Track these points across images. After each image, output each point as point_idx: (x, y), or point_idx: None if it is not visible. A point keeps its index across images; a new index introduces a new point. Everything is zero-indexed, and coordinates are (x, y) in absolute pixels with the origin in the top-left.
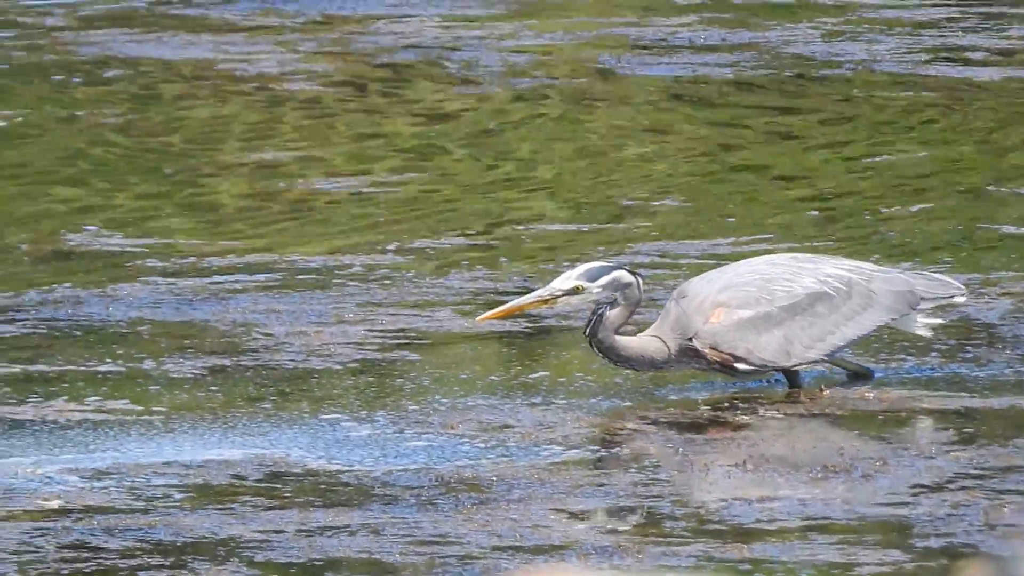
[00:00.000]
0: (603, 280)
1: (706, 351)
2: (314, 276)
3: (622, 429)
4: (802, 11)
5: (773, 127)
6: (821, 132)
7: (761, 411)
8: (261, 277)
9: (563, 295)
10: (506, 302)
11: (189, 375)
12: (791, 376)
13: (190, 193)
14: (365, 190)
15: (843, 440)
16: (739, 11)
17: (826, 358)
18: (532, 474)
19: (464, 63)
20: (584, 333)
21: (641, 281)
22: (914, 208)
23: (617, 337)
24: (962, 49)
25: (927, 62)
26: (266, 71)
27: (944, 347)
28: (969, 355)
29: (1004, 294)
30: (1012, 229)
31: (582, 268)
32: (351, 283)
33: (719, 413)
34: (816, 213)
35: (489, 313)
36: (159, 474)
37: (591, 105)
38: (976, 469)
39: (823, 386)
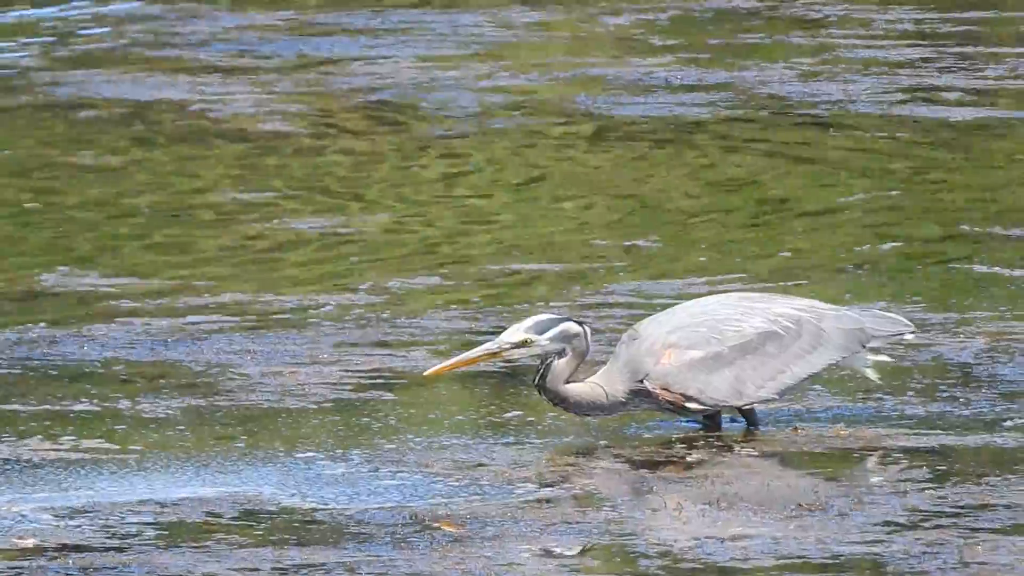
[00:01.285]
0: (551, 332)
1: (657, 391)
2: (288, 316)
3: (596, 468)
4: (778, 51)
5: (745, 166)
6: (795, 170)
7: (736, 449)
8: (236, 318)
9: (511, 348)
10: (478, 344)
11: (163, 415)
12: (746, 414)
13: (164, 233)
14: (340, 230)
15: (818, 478)
16: (715, 51)
17: (777, 396)
18: (506, 512)
19: (440, 103)
20: (532, 382)
21: (589, 332)
22: (886, 247)
23: (566, 386)
24: (937, 89)
25: (903, 102)
26: (241, 111)
27: (919, 385)
28: (944, 393)
29: (979, 333)
30: (984, 269)
31: (530, 321)
32: (325, 323)
33: (693, 451)
34: (788, 254)
35: (438, 367)
36: (134, 512)
37: (567, 144)
38: (951, 507)
39: (797, 424)
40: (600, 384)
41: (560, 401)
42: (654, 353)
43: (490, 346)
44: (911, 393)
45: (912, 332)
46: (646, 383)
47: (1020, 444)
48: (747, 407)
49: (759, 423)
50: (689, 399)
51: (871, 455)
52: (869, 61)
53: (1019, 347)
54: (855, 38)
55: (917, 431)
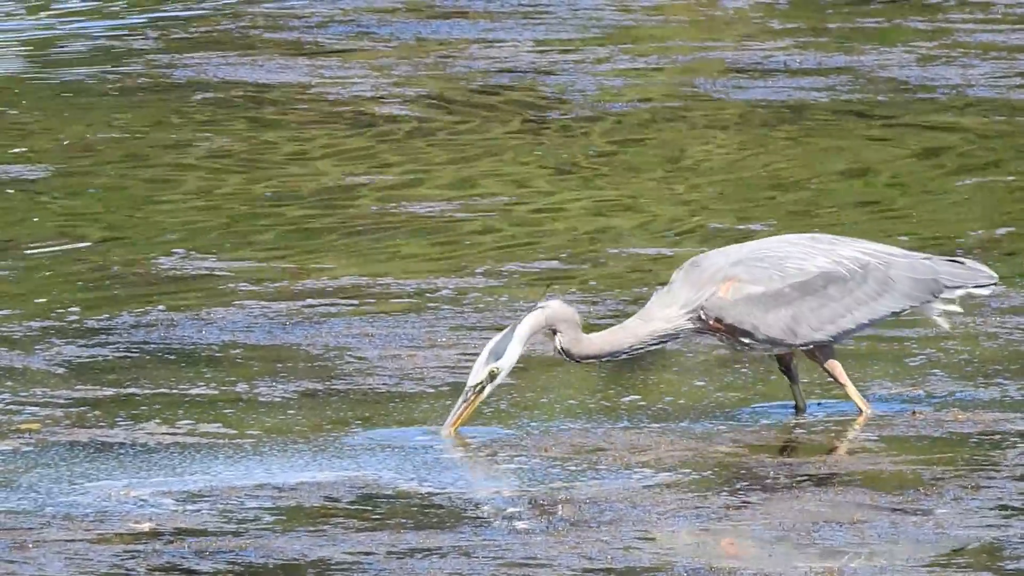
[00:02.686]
0: (513, 346)
1: (711, 322)
2: (407, 300)
3: (715, 452)
4: (897, 35)
5: (863, 150)
6: (912, 154)
7: (853, 433)
8: (354, 301)
9: (483, 385)
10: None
11: (280, 398)
12: (787, 361)
13: (282, 216)
14: (457, 214)
15: (934, 462)
16: (834, 35)
17: (832, 340)
18: (624, 497)
19: (559, 87)
20: (556, 351)
21: (555, 303)
22: (1002, 231)
23: (591, 344)
24: None
25: (1021, 86)
26: (360, 94)
27: None
28: None
29: None
30: None
31: (485, 352)
32: (444, 307)
33: (812, 436)
34: (904, 238)
35: (450, 426)
36: (251, 496)
37: (686, 128)
38: None
39: (915, 409)
40: (643, 319)
41: (592, 355)
42: (714, 282)
43: (467, 396)
44: None
45: (992, 284)
46: (701, 312)
47: None
48: (803, 347)
49: (832, 355)
50: (743, 333)
51: (989, 439)
52: (988, 45)
53: None
54: (973, 22)
55: None
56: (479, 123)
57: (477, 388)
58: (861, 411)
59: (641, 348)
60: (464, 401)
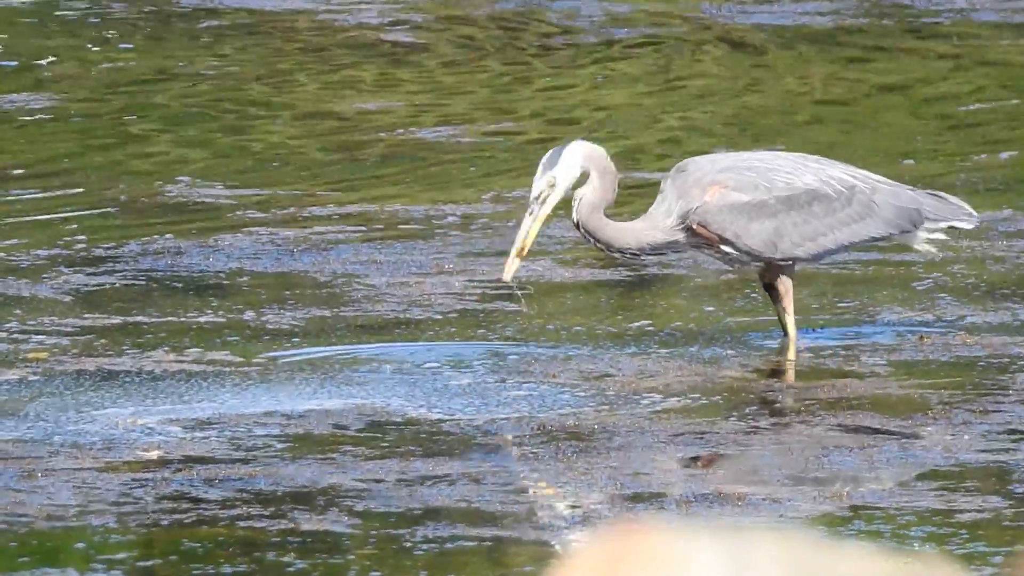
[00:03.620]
0: (564, 158)
1: (694, 226)
2: (414, 226)
3: (723, 377)
4: None
5: (867, 74)
6: (916, 79)
7: (863, 358)
8: (362, 228)
9: (544, 198)
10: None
11: (288, 326)
12: (782, 268)
13: (288, 143)
14: (461, 139)
15: (942, 386)
16: None
17: (811, 258)
18: (632, 422)
19: (565, 12)
20: (572, 221)
21: (604, 150)
22: (1005, 155)
23: (606, 222)
24: None
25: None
26: (366, 21)
27: None
28: None
29: None
30: None
31: (540, 167)
32: (452, 233)
33: (821, 360)
34: (911, 161)
35: (508, 267)
36: (259, 424)
37: (690, 52)
38: None
39: (923, 333)
40: (645, 221)
41: (602, 239)
42: (701, 186)
43: (531, 212)
44: None
45: (973, 220)
46: (688, 219)
47: None
48: (782, 262)
49: (781, 295)
50: (725, 241)
51: (997, 363)
52: None
53: None
54: None
55: None
56: (486, 50)
57: (540, 199)
58: (789, 338)
59: (640, 254)
60: (531, 214)
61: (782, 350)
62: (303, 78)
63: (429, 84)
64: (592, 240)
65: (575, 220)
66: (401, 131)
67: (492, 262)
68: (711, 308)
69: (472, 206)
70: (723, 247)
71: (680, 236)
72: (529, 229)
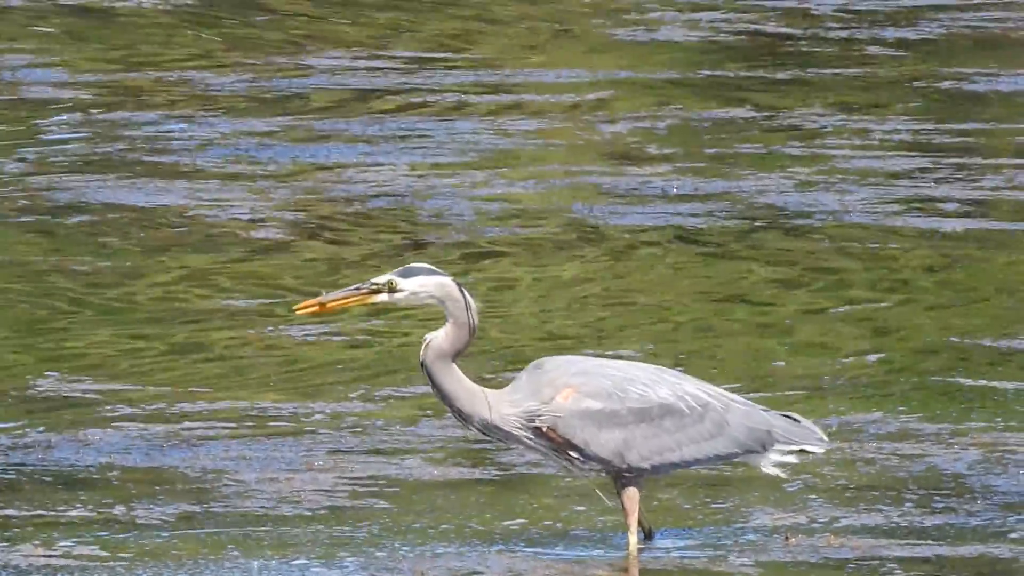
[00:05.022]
0: (419, 279)
1: (544, 428)
2: (285, 423)
3: None
4: (775, 161)
5: (739, 277)
6: (788, 281)
7: (731, 558)
8: (232, 424)
9: (375, 289)
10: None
11: (159, 521)
12: (626, 479)
13: (159, 339)
14: (334, 337)
15: None
16: (712, 160)
17: (653, 471)
18: None
19: (436, 211)
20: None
21: (470, 299)
22: (873, 358)
23: (454, 370)
24: (934, 200)
25: (898, 213)
26: (238, 217)
27: (914, 496)
28: (939, 504)
29: (972, 444)
30: (976, 381)
31: (403, 267)
32: (321, 430)
33: (689, 561)
34: (781, 363)
35: (308, 305)
36: None
37: (561, 253)
38: None
39: (789, 534)
40: (493, 396)
41: (443, 391)
42: (554, 387)
43: (359, 286)
44: (907, 504)
45: (822, 445)
46: (536, 417)
47: (1016, 555)
48: (627, 473)
49: (640, 490)
50: (572, 447)
51: (867, 565)
52: (866, 171)
53: (1013, 458)
54: (850, 148)
55: (912, 541)
56: (357, 247)
57: (374, 287)
58: (629, 546)
59: (479, 429)
60: (356, 289)
61: (651, 549)
62: (175, 275)
63: (298, 281)
64: (435, 391)
65: (421, 363)
66: (271, 328)
67: (362, 460)
68: (581, 508)
69: (342, 404)
70: (571, 452)
71: (522, 431)
72: (345, 296)
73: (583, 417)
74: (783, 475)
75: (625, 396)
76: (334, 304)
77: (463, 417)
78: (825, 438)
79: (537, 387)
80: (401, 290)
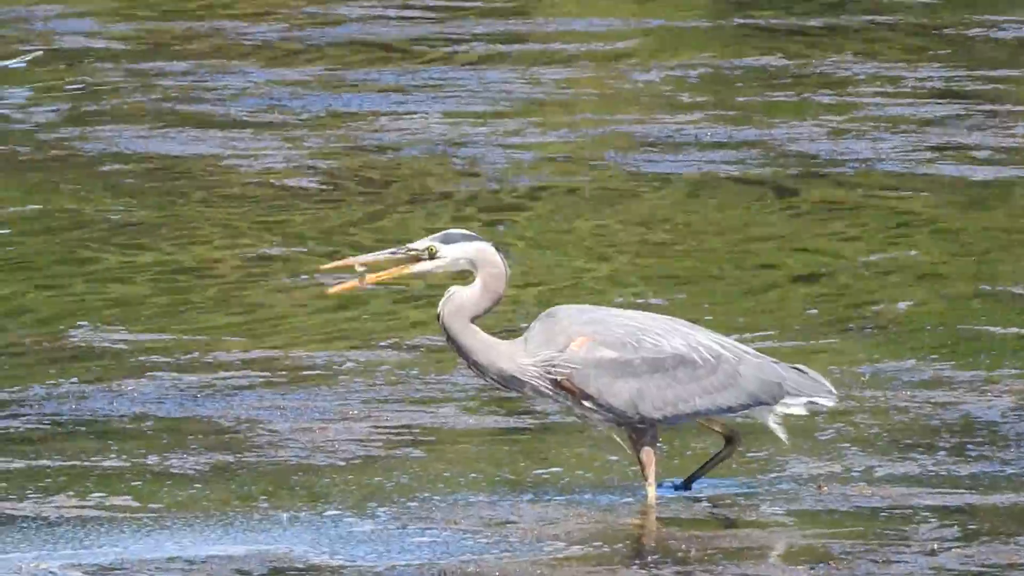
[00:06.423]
0: (459, 245)
1: (558, 378)
2: (319, 372)
3: (624, 525)
4: (807, 109)
5: (772, 224)
6: (821, 229)
7: (763, 507)
8: (265, 373)
9: (415, 255)
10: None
11: (192, 471)
12: (639, 430)
13: (193, 289)
14: (368, 287)
15: (844, 537)
16: (744, 109)
17: (667, 422)
18: (534, 570)
19: (469, 159)
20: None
21: (505, 264)
22: (903, 306)
23: (469, 328)
24: (966, 148)
25: (930, 160)
26: (271, 167)
27: (947, 444)
28: (972, 453)
29: (1006, 392)
30: (1015, 329)
31: (442, 233)
32: (356, 380)
33: (720, 510)
34: (814, 311)
35: (342, 285)
36: (162, 570)
37: (597, 201)
38: (978, 567)
39: (821, 483)
40: (512, 346)
41: (459, 345)
42: (567, 335)
43: (395, 250)
44: (940, 452)
45: (831, 399)
46: (550, 366)
47: None
48: (639, 424)
49: (643, 450)
50: (586, 396)
51: (898, 514)
52: (897, 119)
53: None
54: (882, 96)
55: (944, 490)
56: (389, 197)
57: (412, 252)
58: (648, 497)
59: (496, 380)
60: (392, 253)
61: (680, 499)
62: (207, 224)
63: (331, 230)
64: (450, 344)
65: (438, 314)
66: (305, 277)
67: (396, 408)
68: (614, 458)
69: (376, 353)
70: (585, 401)
71: (538, 380)
72: (380, 260)
73: (598, 366)
74: (783, 436)
75: (639, 346)
76: (372, 279)
77: (480, 369)
78: (834, 390)
79: (551, 335)
80: (443, 256)
